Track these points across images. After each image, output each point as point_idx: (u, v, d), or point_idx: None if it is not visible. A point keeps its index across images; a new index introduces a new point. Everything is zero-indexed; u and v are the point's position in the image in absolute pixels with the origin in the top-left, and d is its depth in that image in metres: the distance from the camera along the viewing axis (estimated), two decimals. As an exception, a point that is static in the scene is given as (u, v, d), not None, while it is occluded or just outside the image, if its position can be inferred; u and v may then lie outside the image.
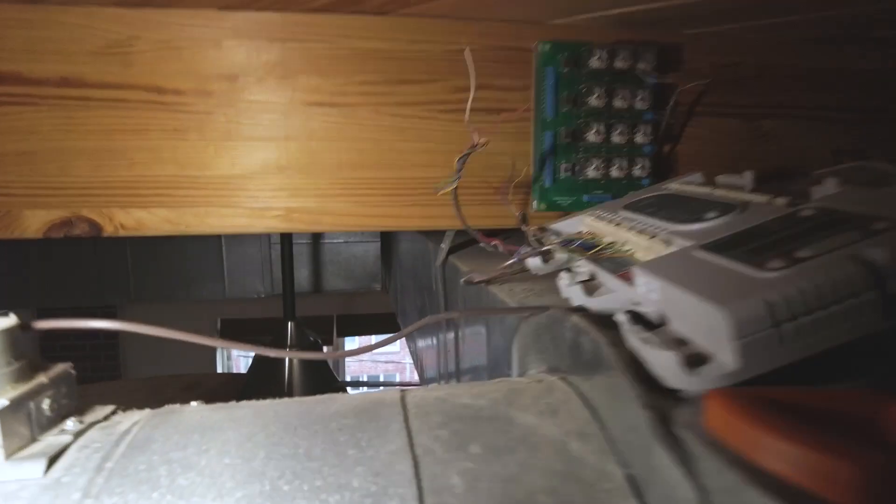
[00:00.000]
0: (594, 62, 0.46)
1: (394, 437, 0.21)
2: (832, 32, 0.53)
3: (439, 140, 0.48)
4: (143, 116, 0.46)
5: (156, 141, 0.47)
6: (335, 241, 1.29)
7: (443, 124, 0.48)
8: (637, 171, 0.48)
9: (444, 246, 0.52)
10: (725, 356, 0.19)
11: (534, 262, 0.35)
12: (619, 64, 0.47)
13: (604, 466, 0.20)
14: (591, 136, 0.47)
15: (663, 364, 0.20)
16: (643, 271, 0.25)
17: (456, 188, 0.38)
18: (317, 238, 1.22)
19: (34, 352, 0.27)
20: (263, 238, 1.25)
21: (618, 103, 0.47)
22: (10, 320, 0.22)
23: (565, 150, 0.48)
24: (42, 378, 0.22)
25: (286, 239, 0.94)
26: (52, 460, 0.20)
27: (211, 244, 1.29)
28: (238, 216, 0.48)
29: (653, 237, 0.29)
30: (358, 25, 0.47)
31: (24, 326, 0.22)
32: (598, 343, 0.22)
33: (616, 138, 0.47)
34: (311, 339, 0.99)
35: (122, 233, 0.48)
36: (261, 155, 0.48)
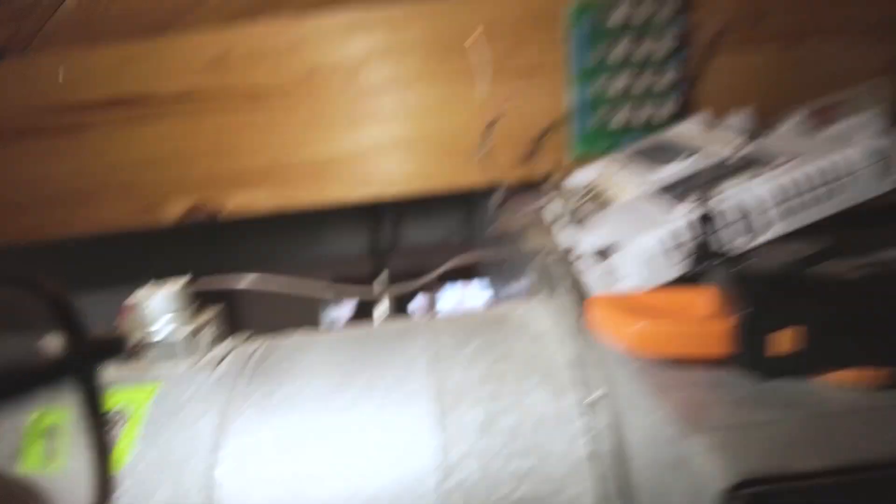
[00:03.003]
0: (619, 14, 0.54)
1: (419, 343, 0.34)
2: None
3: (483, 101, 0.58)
4: (245, 115, 0.62)
5: (253, 136, 0.62)
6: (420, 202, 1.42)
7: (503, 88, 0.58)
8: (663, 115, 0.55)
9: (495, 199, 0.63)
10: (634, 274, 0.30)
11: (553, 209, 0.46)
12: (644, 11, 0.54)
13: (558, 353, 0.32)
14: (618, 86, 0.55)
15: (591, 279, 0.31)
16: (605, 213, 0.35)
17: (489, 151, 0.49)
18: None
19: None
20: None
21: (644, 50, 0.54)
22: (184, 279, 0.38)
23: (597, 99, 0.57)
24: (207, 315, 0.38)
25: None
26: (218, 363, 0.36)
27: (311, 213, 1.48)
28: (330, 190, 0.63)
29: (633, 185, 0.39)
30: (406, 12, 0.58)
31: (190, 283, 0.38)
32: (559, 270, 0.33)
33: (642, 86, 0.55)
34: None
35: (236, 213, 0.65)
36: (345, 137, 0.61)
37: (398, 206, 1.47)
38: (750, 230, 0.29)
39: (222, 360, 0.36)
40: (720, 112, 0.51)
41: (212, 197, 0.64)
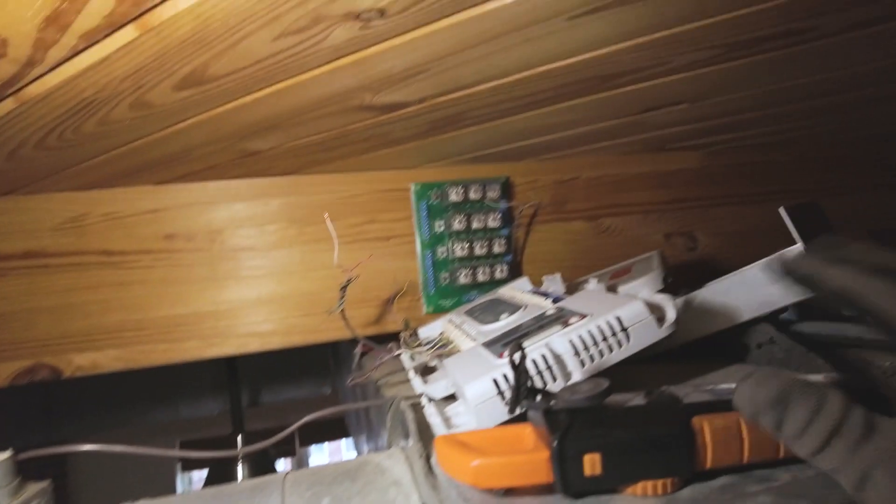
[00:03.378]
0: (453, 196, 0.63)
1: (272, 500, 0.33)
2: (645, 146, 0.71)
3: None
4: (94, 275, 0.60)
5: (106, 294, 0.60)
6: (283, 352, 1.40)
7: (343, 253, 0.63)
8: (499, 275, 0.63)
9: (356, 352, 0.65)
10: (471, 417, 0.33)
11: (406, 360, 0.49)
12: (473, 195, 0.63)
13: (409, 500, 0.33)
14: (459, 251, 0.62)
15: (436, 424, 0.34)
16: (446, 363, 0.39)
17: (343, 310, 0.52)
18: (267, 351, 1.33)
19: None
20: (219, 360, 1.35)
21: (476, 224, 0.63)
22: (7, 452, 0.34)
23: (442, 263, 0.64)
24: (31, 491, 0.34)
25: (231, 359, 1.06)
26: (45, 543, 0.32)
27: (163, 369, 1.38)
28: (185, 348, 0.61)
29: (470, 337, 0.44)
30: (266, 185, 0.63)
31: (14, 455, 0.35)
32: (408, 420, 0.36)
33: (479, 251, 0.63)
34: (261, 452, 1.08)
35: (78, 374, 0.60)
36: (195, 296, 0.61)
37: (260, 362, 1.42)
38: (557, 374, 0.34)
39: (50, 538, 0.33)
40: (543, 271, 0.60)
41: (54, 357, 0.59)
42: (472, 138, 0.56)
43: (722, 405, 0.27)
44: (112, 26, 0.25)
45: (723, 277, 0.44)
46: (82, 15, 0.24)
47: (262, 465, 1.09)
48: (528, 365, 0.34)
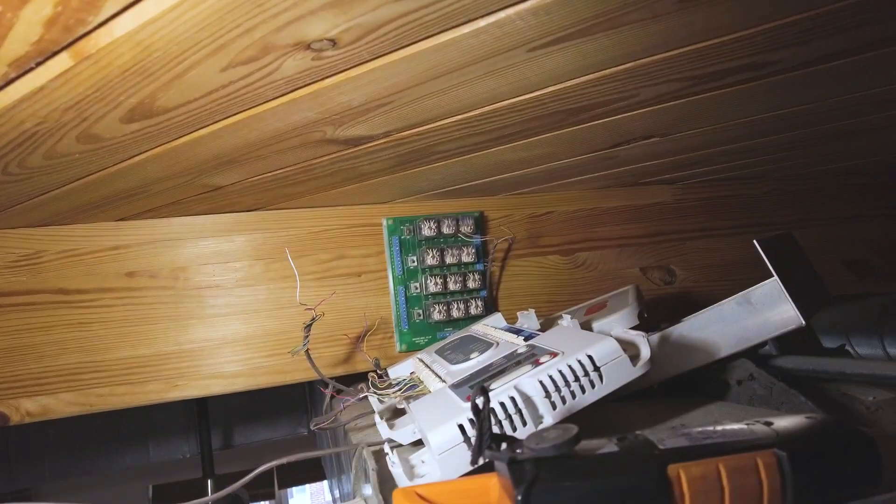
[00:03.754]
0: (426, 230, 0.61)
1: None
2: (619, 181, 0.70)
3: (310, 302, 0.61)
4: (49, 315, 0.57)
5: (61, 334, 0.57)
6: (257, 392, 1.35)
7: (312, 290, 0.61)
8: (473, 310, 0.61)
9: (326, 393, 0.63)
10: (435, 466, 0.31)
11: (374, 403, 0.46)
12: (446, 230, 0.62)
13: (369, 557, 0.30)
14: (432, 287, 0.61)
15: (397, 475, 0.31)
16: (411, 408, 0.36)
17: (308, 350, 0.50)
18: (240, 392, 1.29)
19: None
20: (188, 402, 1.31)
21: (449, 259, 0.61)
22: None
23: (415, 299, 0.62)
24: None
25: (200, 401, 1.02)
26: None
27: (131, 412, 1.33)
28: (146, 391, 0.58)
29: (439, 378, 0.42)
30: (232, 221, 0.61)
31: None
32: (369, 469, 0.33)
33: (452, 286, 0.61)
34: (233, 495, 1.03)
35: (27, 420, 0.56)
36: (157, 336, 0.58)
37: (233, 403, 1.37)
38: (527, 418, 0.31)
39: None
40: (518, 305, 0.58)
41: (2, 402, 0.55)
42: (442, 172, 0.55)
43: (700, 450, 0.25)
44: (43, 54, 0.24)
45: (699, 312, 0.43)
46: (7, 41, 0.22)
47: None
48: (496, 408, 0.31)
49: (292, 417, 1.36)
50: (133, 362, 0.58)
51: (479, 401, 0.25)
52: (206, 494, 1.01)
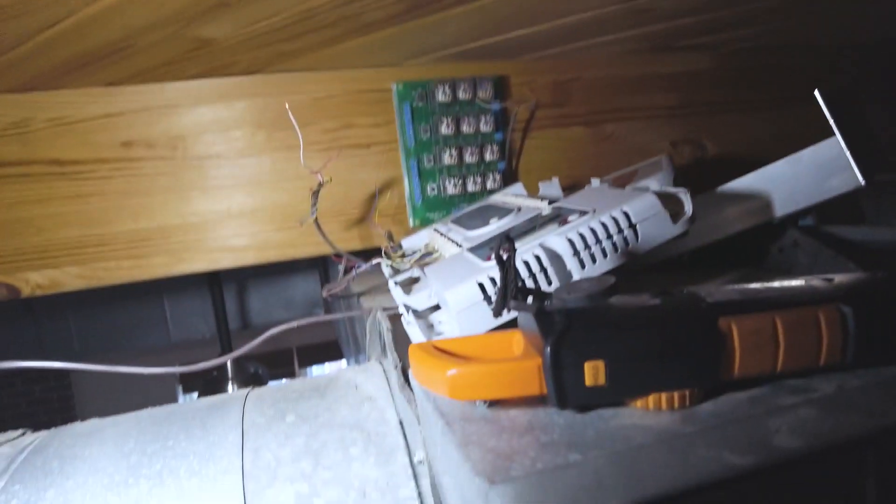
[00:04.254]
0: (440, 95, 0.56)
1: (231, 418, 0.29)
2: (652, 44, 0.63)
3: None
4: (46, 186, 0.54)
5: (60, 207, 0.54)
6: (273, 274, 1.36)
7: (317, 161, 0.57)
8: (491, 184, 0.57)
9: (341, 267, 0.61)
10: (454, 326, 0.28)
11: (387, 272, 0.44)
12: (462, 95, 0.56)
13: (385, 415, 0.29)
14: (447, 159, 0.56)
15: (413, 333, 0.29)
16: (427, 271, 0.34)
17: (317, 219, 0.47)
18: (254, 274, 1.29)
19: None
20: (202, 280, 1.32)
21: (466, 128, 0.56)
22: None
23: (429, 172, 0.58)
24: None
25: (214, 277, 1.02)
26: (-29, 470, 0.28)
27: (149, 292, 1.35)
28: (144, 267, 0.56)
29: (456, 244, 0.39)
30: (230, 85, 0.56)
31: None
32: (384, 330, 0.31)
33: (468, 158, 0.57)
34: (252, 370, 1.06)
35: (38, 292, 0.55)
36: (159, 209, 0.56)
37: (249, 285, 1.37)
38: (553, 278, 0.29)
39: (-21, 464, 0.29)
40: (539, 180, 0.54)
41: (8, 276, 0.54)
42: (458, 24, 0.49)
43: (754, 304, 0.22)
44: None
45: (747, 175, 0.38)
46: None
47: (252, 381, 1.07)
48: (520, 267, 0.29)
49: (307, 300, 1.37)
50: (136, 235, 0.56)
51: (503, 250, 0.22)
52: (226, 370, 1.04)
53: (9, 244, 0.54)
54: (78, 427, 0.31)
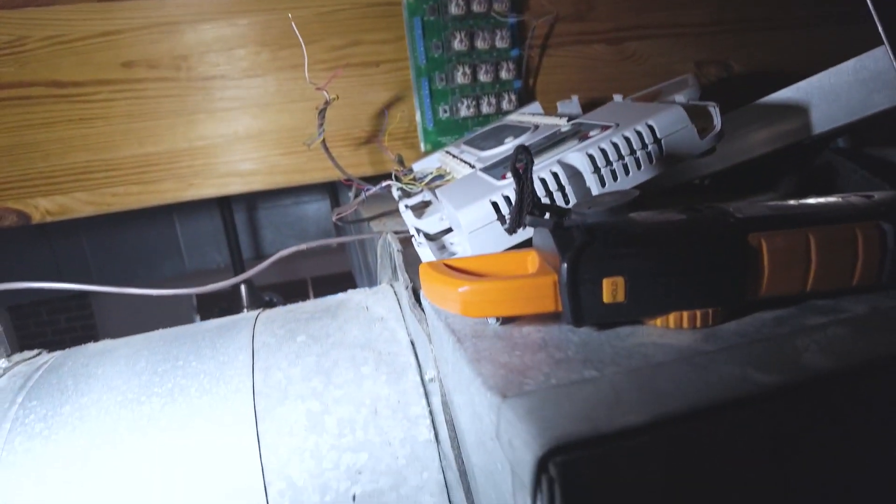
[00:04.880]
0: (453, 8, 0.53)
1: (241, 338, 0.29)
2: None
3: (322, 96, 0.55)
4: (47, 110, 0.52)
5: (64, 131, 0.53)
6: (285, 203, 1.36)
7: (324, 81, 0.55)
8: (506, 105, 0.55)
9: (351, 193, 0.60)
10: (466, 247, 0.27)
11: (397, 195, 0.43)
12: (476, 7, 0.53)
13: (396, 335, 0.28)
14: (460, 78, 0.54)
15: (424, 254, 0.28)
16: (438, 193, 0.32)
17: (324, 141, 0.45)
18: (265, 202, 1.29)
19: (9, 330, 0.35)
20: (214, 209, 1.32)
21: (480, 44, 0.53)
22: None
23: (441, 93, 0.55)
24: (-27, 331, 0.30)
25: (225, 204, 1.02)
26: (-12, 386, 0.28)
27: (163, 221, 1.35)
28: (153, 192, 0.55)
29: (469, 165, 0.37)
30: (238, 3, 0.53)
31: (-49, 294, 0.30)
32: (394, 251, 0.30)
33: (483, 77, 0.54)
34: (267, 299, 1.07)
35: (49, 218, 0.55)
36: (165, 132, 0.54)
37: (259, 214, 1.37)
38: (570, 196, 0.27)
39: (-4, 381, 0.29)
40: (556, 100, 0.52)
41: (17, 202, 0.54)
42: (473, -73, 0.45)
43: (787, 220, 0.21)
44: None
45: (790, 87, 0.36)
46: None
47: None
48: (536, 185, 0.27)
49: (320, 230, 1.37)
50: (143, 160, 0.55)
51: (520, 160, 0.20)
52: (241, 298, 1.05)
53: (16, 169, 0.53)
54: (90, 347, 0.32)
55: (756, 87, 0.67)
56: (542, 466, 0.14)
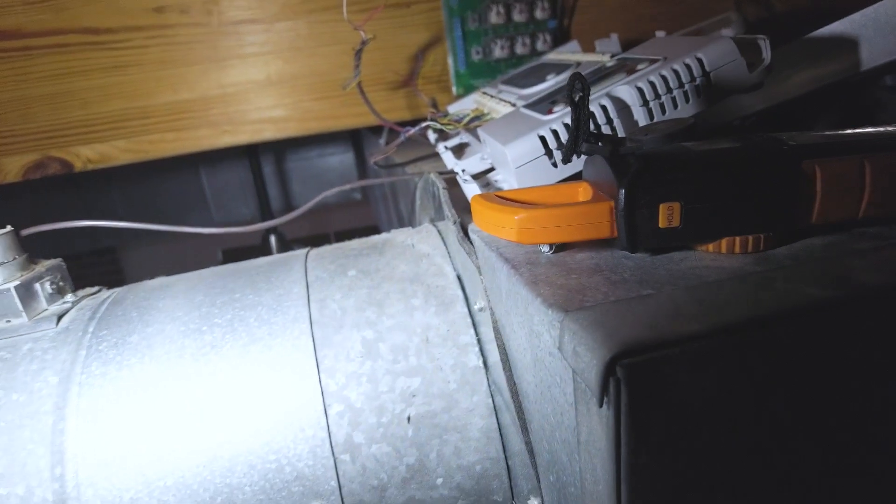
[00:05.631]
0: (487, -54, 0.52)
1: (294, 273, 0.30)
2: None
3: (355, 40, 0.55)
4: (84, 58, 0.53)
5: (101, 79, 0.54)
6: (309, 155, 1.36)
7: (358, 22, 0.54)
8: (541, 46, 0.54)
9: (382, 141, 0.60)
10: (512, 182, 0.28)
11: (432, 137, 0.43)
12: (511, -56, 0.52)
13: (443, 269, 0.30)
14: (493, 18, 0.53)
15: (470, 190, 0.29)
16: (480, 132, 0.33)
17: (360, 83, 0.45)
18: (290, 155, 1.30)
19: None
20: (240, 163, 1.34)
21: (515, -17, 0.53)
22: (6, 228, 0.31)
23: (474, 34, 0.55)
24: (40, 267, 0.32)
25: (253, 157, 1.03)
26: (60, 318, 0.30)
27: (190, 175, 1.37)
28: (188, 139, 0.56)
29: (509, 104, 0.37)
30: (262, -60, 0.52)
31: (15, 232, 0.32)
32: (439, 189, 0.31)
33: (517, 16, 0.53)
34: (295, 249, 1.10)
35: (90, 167, 0.56)
36: (198, 79, 0.55)
37: (286, 167, 1.37)
38: (619, 130, 0.27)
39: (66, 313, 0.31)
40: (593, 41, 0.51)
41: (60, 150, 0.55)
42: None
43: (842, 147, 0.21)
44: None
45: (840, 20, 0.35)
46: None
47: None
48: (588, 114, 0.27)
49: (344, 181, 1.39)
50: (177, 107, 0.56)
51: (576, 88, 0.21)
52: (271, 251, 1.07)
53: (57, 118, 0.55)
54: (148, 283, 0.33)
55: (798, 26, 0.65)
56: (609, 369, 0.15)
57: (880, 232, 0.22)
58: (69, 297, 0.32)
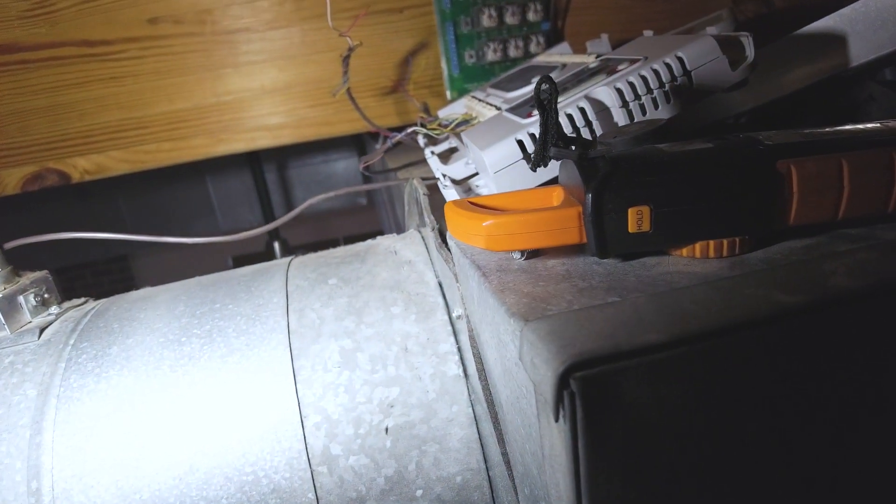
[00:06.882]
0: (477, -51, 0.51)
1: (275, 282, 0.30)
2: None
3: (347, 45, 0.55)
4: (80, 70, 0.54)
5: (97, 91, 0.55)
6: (314, 161, 1.37)
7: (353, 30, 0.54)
8: (534, 48, 0.54)
9: (378, 146, 0.60)
10: (492, 187, 0.27)
11: (422, 141, 0.43)
12: (501, -53, 0.51)
13: (424, 277, 0.29)
14: (486, 21, 0.53)
15: (450, 196, 0.28)
16: (464, 136, 0.32)
17: (349, 90, 0.45)
18: (295, 161, 1.30)
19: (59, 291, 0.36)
20: (246, 170, 1.34)
21: (507, -14, 0.52)
22: (-9, 243, 0.32)
23: (467, 37, 0.54)
24: (25, 280, 0.32)
25: (255, 164, 1.03)
26: (42, 330, 0.30)
27: (196, 183, 1.38)
28: (184, 149, 0.57)
29: (495, 107, 0.37)
30: (253, -50, 0.53)
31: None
32: (420, 195, 0.31)
33: (509, 19, 0.53)
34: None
35: (87, 178, 0.57)
36: (193, 88, 0.55)
37: (290, 174, 1.38)
38: (598, 131, 0.27)
39: (49, 325, 0.31)
40: (583, 43, 0.50)
41: (57, 162, 0.56)
42: None
43: (818, 146, 0.20)
44: None
45: (831, 15, 0.34)
46: None
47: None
48: (563, 122, 0.27)
49: (349, 186, 1.39)
50: (174, 117, 0.56)
51: (544, 90, 0.20)
52: (275, 256, 1.08)
53: (55, 130, 0.55)
54: (132, 294, 0.33)
55: (799, 23, 0.64)
56: (563, 382, 0.14)
57: (861, 233, 0.21)
58: (54, 309, 0.32)
